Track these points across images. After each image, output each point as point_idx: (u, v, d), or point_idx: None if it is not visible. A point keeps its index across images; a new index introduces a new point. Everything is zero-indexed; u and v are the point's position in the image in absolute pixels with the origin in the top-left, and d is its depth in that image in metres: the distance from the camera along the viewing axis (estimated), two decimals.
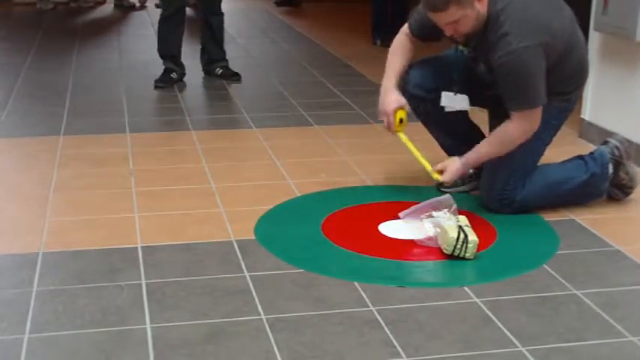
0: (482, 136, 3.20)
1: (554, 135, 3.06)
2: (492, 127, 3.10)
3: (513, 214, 3.01)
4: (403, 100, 3.08)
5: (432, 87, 3.13)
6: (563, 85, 2.97)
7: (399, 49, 3.15)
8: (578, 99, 3.14)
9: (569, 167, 3.10)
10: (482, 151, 2.98)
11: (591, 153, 3.14)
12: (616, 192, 3.17)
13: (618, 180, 3.13)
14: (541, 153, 3.06)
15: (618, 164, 3.11)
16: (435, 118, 3.21)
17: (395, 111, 3.06)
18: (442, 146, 3.33)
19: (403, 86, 3.16)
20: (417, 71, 3.16)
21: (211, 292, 2.44)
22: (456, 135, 3.25)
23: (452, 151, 3.21)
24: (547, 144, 3.06)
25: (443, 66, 3.15)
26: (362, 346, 2.15)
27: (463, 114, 3.20)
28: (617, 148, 3.12)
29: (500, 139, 2.94)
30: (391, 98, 3.07)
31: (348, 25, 7.77)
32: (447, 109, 3.13)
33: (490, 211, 3.04)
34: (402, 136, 3.13)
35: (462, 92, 3.10)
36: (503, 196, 2.99)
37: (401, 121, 3.08)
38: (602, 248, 2.79)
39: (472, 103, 3.16)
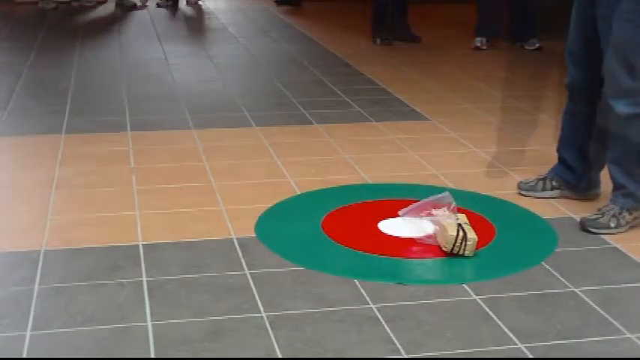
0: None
1: None
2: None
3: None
4: None
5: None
6: None
7: None
8: None
9: None
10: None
11: None
12: None
13: None
14: None
15: None
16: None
17: None
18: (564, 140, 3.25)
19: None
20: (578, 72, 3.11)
21: (212, 289, 2.45)
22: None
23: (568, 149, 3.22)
24: None
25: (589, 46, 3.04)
26: (362, 343, 2.16)
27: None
28: None
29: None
30: None
31: (348, 25, 7.77)
32: None
33: (614, 109, 2.88)
34: None
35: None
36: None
37: None
38: (600, 246, 2.80)
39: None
